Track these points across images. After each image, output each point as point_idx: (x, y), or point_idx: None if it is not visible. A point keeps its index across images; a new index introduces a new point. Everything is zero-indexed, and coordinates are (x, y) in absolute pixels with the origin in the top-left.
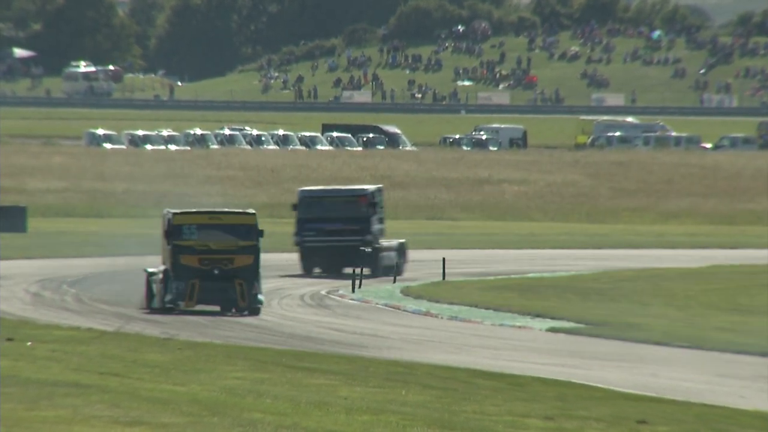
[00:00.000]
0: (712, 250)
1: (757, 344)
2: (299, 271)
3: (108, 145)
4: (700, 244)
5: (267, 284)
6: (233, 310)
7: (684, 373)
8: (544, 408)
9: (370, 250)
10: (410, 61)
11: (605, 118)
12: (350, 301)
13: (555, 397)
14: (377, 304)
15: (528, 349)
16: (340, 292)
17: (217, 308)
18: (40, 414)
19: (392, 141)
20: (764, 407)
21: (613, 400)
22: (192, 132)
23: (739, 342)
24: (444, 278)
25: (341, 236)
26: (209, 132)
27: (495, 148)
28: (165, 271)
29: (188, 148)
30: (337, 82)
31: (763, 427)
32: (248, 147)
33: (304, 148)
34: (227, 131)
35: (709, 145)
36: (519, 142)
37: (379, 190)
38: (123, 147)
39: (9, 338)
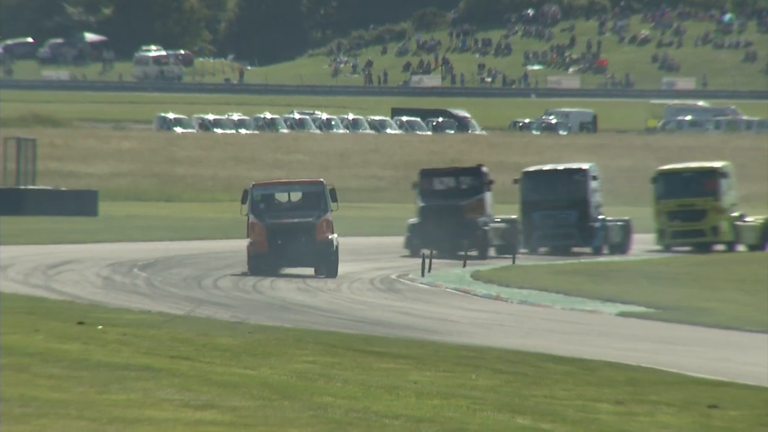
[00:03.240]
0: None
1: None
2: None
3: (178, 129)
4: None
5: (341, 268)
6: None
7: (755, 358)
8: (614, 392)
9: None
10: (480, 45)
11: (676, 102)
12: (420, 285)
13: (625, 381)
14: (447, 288)
15: (598, 333)
16: (410, 276)
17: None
18: (111, 397)
19: (462, 125)
20: None
21: (684, 385)
22: (261, 116)
23: None
24: (514, 262)
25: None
26: (278, 116)
27: (565, 132)
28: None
29: (257, 132)
30: (407, 66)
31: None
32: (317, 131)
33: (373, 132)
34: (296, 115)
35: None
36: (589, 126)
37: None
38: (193, 131)
39: (80, 322)
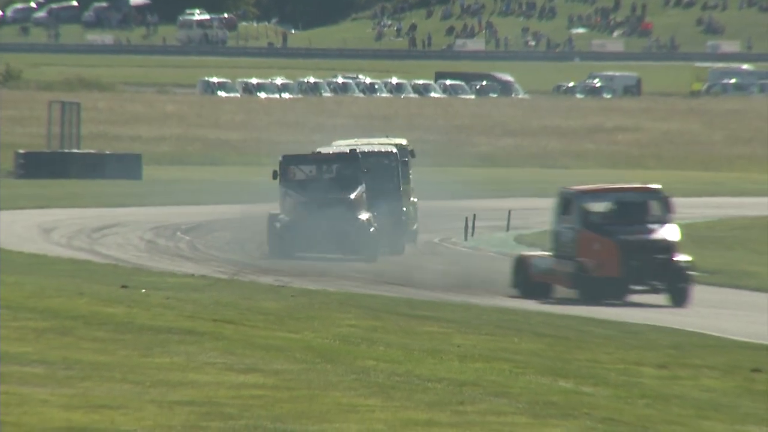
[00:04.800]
0: None
1: None
2: None
3: (222, 93)
4: None
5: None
6: None
7: None
8: (657, 356)
9: None
10: (524, 8)
11: (720, 65)
12: (463, 249)
13: (668, 345)
14: (490, 252)
15: (641, 297)
16: (453, 240)
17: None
18: (155, 360)
19: (505, 89)
20: None
21: (727, 349)
22: (305, 80)
23: None
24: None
25: None
26: (322, 80)
27: (609, 96)
28: None
29: (301, 96)
30: (451, 30)
31: None
32: (361, 95)
33: (417, 96)
34: (340, 79)
35: None
36: (633, 89)
37: None
38: (237, 95)
39: (124, 285)
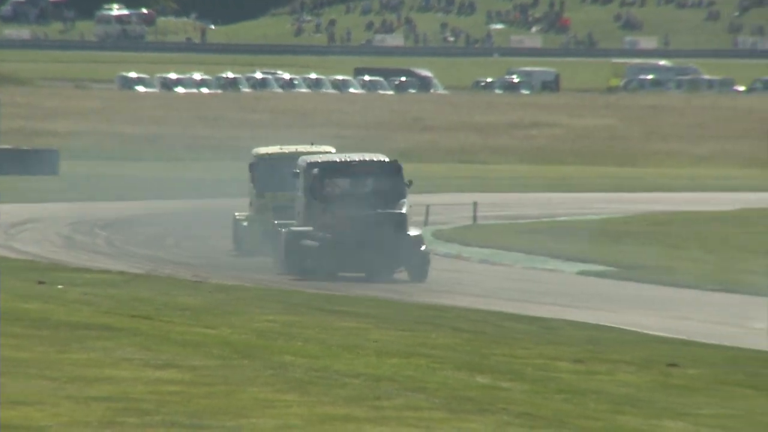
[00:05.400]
0: (744, 193)
1: None
2: None
3: (140, 89)
4: (732, 187)
5: None
6: None
7: (716, 317)
8: (574, 351)
9: None
10: (443, 4)
11: (638, 61)
12: None
13: (586, 340)
14: None
15: (559, 292)
16: None
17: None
18: (72, 356)
19: (424, 84)
20: None
21: (644, 344)
22: (224, 75)
23: None
24: (475, 221)
25: None
26: (241, 75)
27: (527, 92)
28: None
29: (220, 91)
30: (370, 26)
31: None
32: (280, 90)
33: (335, 91)
34: (259, 75)
35: (742, 88)
36: (551, 85)
37: None
38: (155, 90)
39: (40, 281)
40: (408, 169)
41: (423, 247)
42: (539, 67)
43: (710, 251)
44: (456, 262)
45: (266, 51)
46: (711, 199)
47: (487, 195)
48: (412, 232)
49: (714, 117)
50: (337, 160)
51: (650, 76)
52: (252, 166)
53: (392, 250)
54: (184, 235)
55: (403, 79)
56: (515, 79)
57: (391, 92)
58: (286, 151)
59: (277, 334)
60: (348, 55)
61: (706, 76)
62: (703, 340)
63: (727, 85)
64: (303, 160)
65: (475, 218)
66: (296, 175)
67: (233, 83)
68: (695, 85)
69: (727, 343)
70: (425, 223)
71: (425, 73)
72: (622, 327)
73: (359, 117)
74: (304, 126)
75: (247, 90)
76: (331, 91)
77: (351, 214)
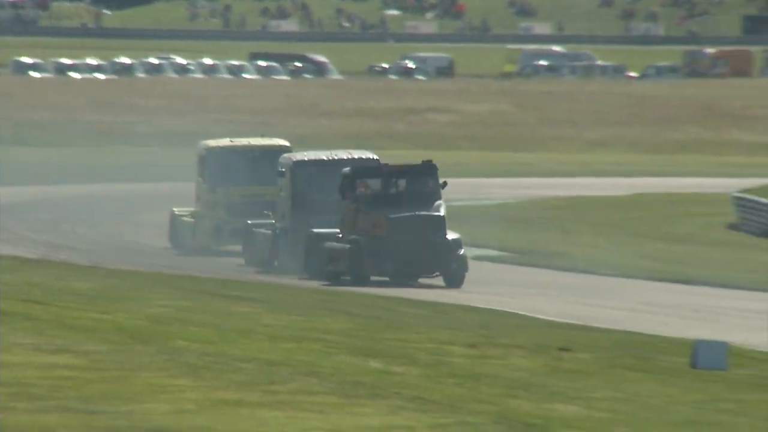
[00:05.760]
0: (637, 178)
1: (681, 272)
2: None
3: (34, 74)
4: (625, 172)
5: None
6: None
7: (608, 301)
8: (467, 336)
9: None
10: None
11: (532, 47)
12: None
13: (478, 324)
14: None
15: None
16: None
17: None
18: None
19: (320, 70)
20: (686, 334)
21: (536, 328)
22: (118, 61)
23: (663, 270)
24: None
25: None
26: (135, 61)
27: (422, 78)
28: None
29: (114, 76)
30: (265, 11)
31: (684, 353)
32: (175, 76)
33: (231, 77)
34: (154, 60)
35: (635, 74)
36: (446, 71)
37: None
38: (49, 75)
39: None
40: None
41: (461, 252)
42: (434, 53)
43: (603, 236)
44: None
45: (161, 36)
46: (604, 184)
47: None
48: (451, 235)
49: (607, 103)
50: (324, 158)
51: (544, 62)
52: (201, 160)
53: (431, 254)
54: (79, 220)
55: (299, 64)
56: (410, 64)
57: (286, 78)
58: (238, 144)
59: (171, 319)
60: (243, 41)
61: (600, 62)
62: (595, 324)
63: (620, 71)
64: (287, 158)
65: None
66: (281, 174)
67: (128, 68)
68: (589, 71)
69: (618, 327)
70: None
71: (321, 58)
72: (515, 312)
73: (255, 102)
74: (200, 111)
75: (141, 75)
76: (227, 76)
77: (389, 216)
